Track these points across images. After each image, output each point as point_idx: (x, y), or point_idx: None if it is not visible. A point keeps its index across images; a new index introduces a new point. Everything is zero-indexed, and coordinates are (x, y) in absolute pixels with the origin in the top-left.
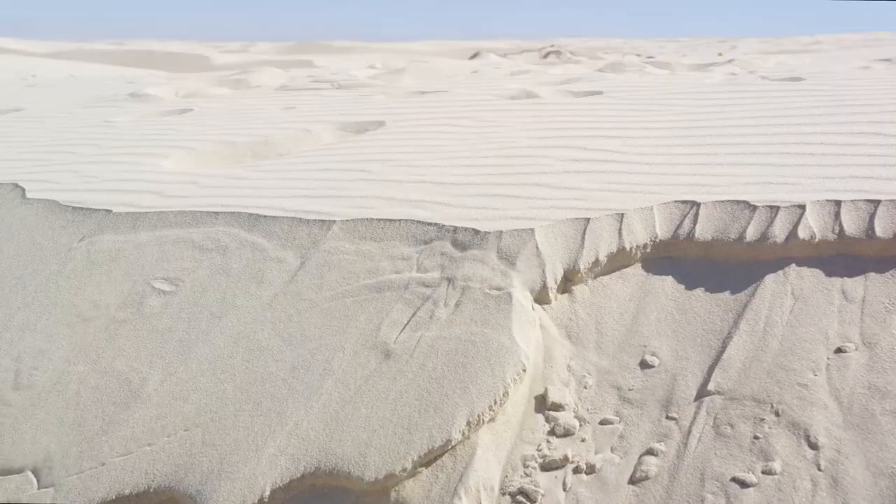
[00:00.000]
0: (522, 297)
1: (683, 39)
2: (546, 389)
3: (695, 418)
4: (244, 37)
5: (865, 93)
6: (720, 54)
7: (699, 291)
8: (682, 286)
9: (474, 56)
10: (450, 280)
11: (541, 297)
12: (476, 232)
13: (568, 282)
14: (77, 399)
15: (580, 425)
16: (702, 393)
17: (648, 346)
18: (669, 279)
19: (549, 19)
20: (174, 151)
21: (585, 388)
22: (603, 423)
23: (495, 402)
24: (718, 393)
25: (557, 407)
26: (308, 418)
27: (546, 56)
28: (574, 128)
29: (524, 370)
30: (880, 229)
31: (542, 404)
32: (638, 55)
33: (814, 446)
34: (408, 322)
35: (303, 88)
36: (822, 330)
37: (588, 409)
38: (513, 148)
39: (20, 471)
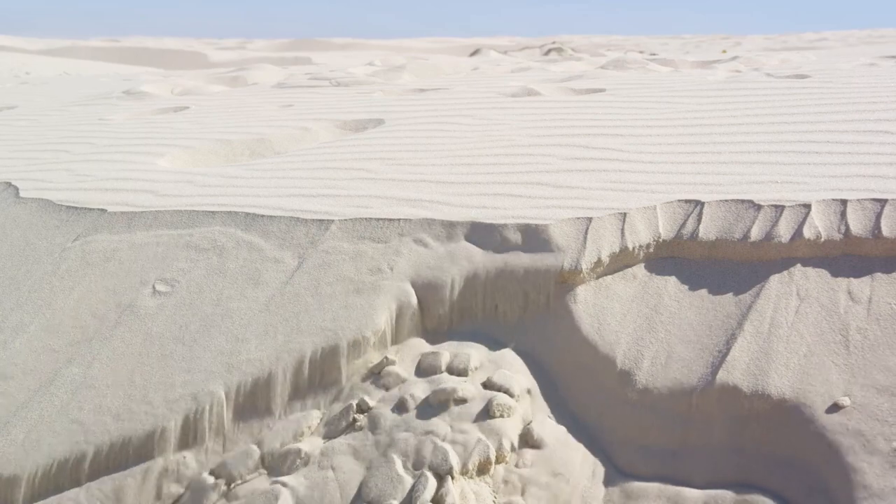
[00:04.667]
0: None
1: (687, 36)
2: None
3: None
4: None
5: (871, 90)
6: (724, 51)
7: (703, 292)
8: (686, 287)
9: (474, 53)
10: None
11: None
12: (475, 231)
13: (569, 282)
14: (71, 402)
15: None
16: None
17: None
18: (673, 279)
19: (551, 16)
20: (170, 150)
21: None
22: None
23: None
24: None
25: None
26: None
27: (547, 53)
28: (575, 126)
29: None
30: (887, 229)
31: None
32: (641, 52)
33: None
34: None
35: (300, 86)
36: (825, 331)
37: None
38: (513, 146)
39: (10, 477)
